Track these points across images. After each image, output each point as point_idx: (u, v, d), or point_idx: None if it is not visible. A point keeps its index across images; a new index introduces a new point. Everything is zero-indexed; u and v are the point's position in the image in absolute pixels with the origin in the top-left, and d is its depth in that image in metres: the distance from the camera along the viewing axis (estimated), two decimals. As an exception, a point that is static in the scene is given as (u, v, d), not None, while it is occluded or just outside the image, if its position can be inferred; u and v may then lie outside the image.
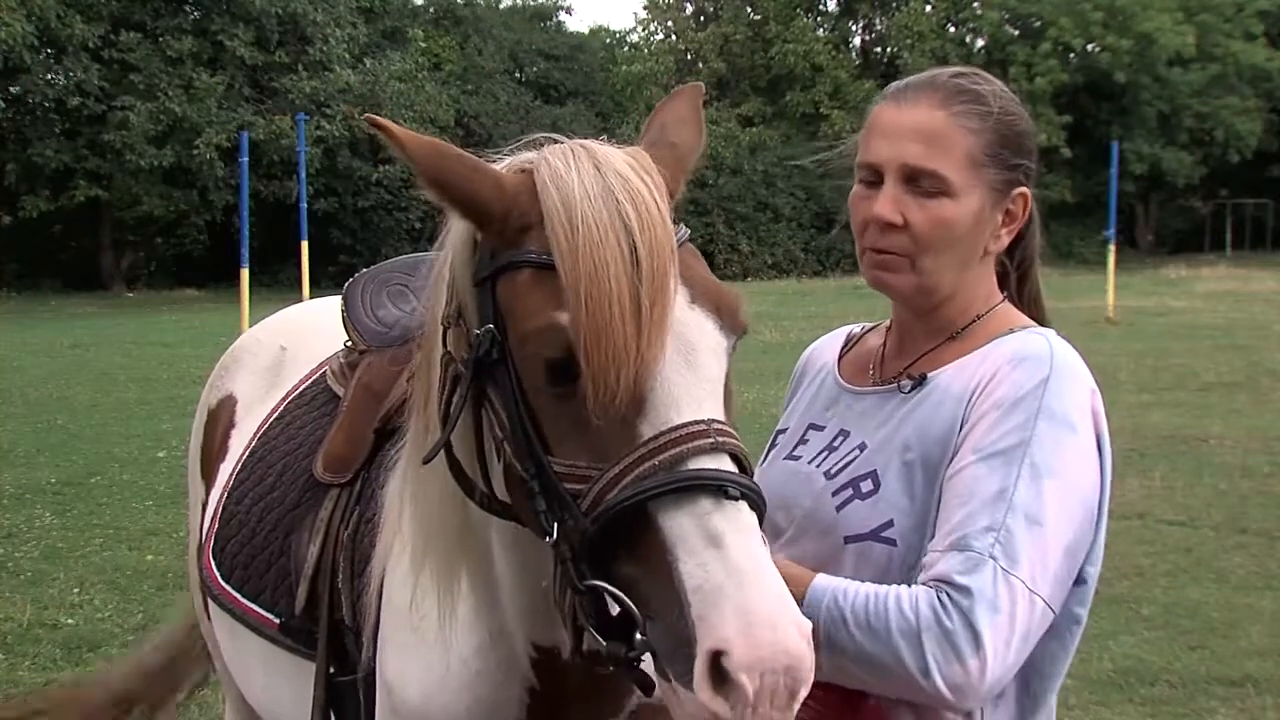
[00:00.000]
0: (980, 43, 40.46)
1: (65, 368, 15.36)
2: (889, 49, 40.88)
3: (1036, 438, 1.72)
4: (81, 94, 28.29)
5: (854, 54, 41.99)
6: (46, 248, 33.06)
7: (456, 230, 1.77)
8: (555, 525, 1.59)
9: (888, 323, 2.08)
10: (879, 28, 42.64)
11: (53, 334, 19.39)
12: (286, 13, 30.08)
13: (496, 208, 1.67)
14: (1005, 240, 1.91)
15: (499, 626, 1.94)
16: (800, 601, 1.64)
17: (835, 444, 1.95)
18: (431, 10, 39.18)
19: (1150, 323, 18.72)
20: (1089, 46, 37.85)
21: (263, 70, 30.50)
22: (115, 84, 28.79)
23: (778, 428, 2.11)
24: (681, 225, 1.71)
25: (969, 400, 1.80)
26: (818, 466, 1.93)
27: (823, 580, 1.73)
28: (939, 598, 1.65)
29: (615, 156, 1.65)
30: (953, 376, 1.86)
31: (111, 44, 28.88)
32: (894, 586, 1.70)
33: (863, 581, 1.76)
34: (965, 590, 1.63)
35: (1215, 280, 26.86)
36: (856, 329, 2.17)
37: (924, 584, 1.68)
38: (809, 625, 1.45)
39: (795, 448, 2.01)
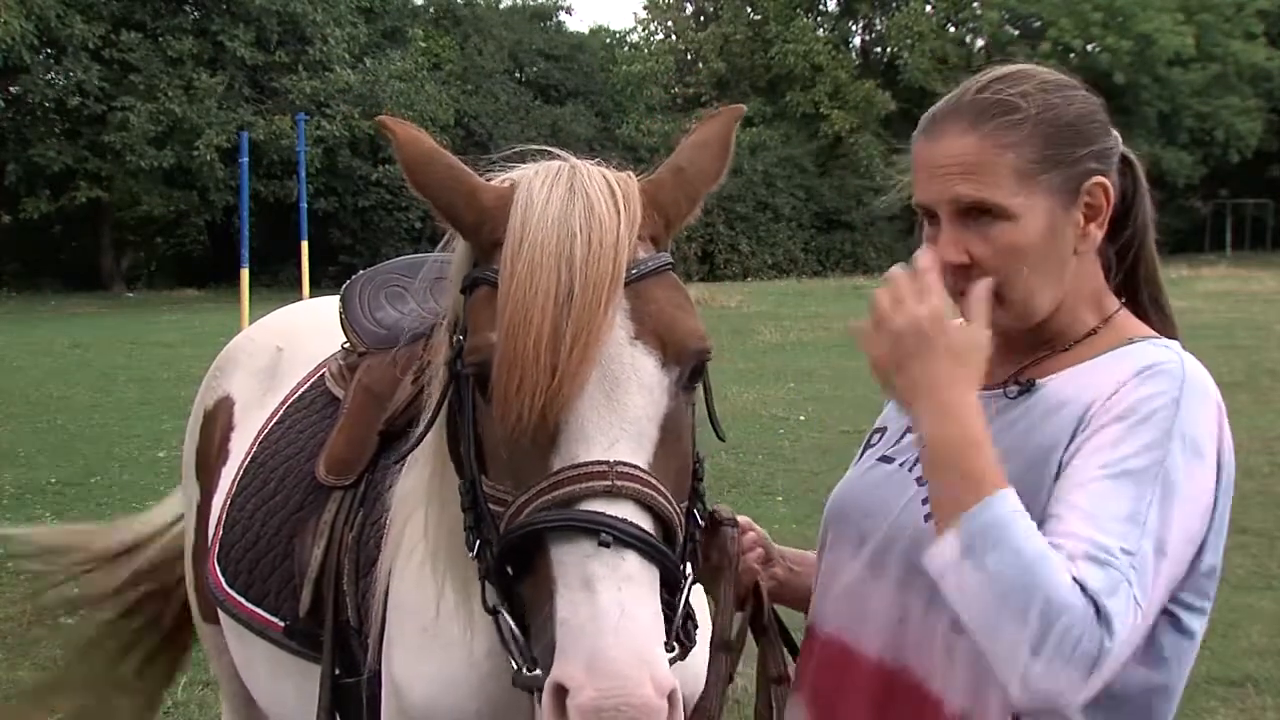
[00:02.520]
0: (980, 43, 40.46)
1: (65, 368, 15.35)
2: (889, 49, 40.82)
3: (1170, 461, 1.58)
4: (81, 94, 28.27)
5: (854, 54, 41.94)
6: (46, 248, 33.04)
7: (459, 237, 1.79)
8: (477, 543, 1.64)
9: None
10: (879, 28, 42.57)
11: (53, 334, 19.38)
12: (286, 13, 30.05)
13: (468, 219, 1.69)
14: (1096, 236, 1.75)
15: None
16: (984, 493, 1.54)
17: None
18: (431, 10, 39.15)
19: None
20: (1089, 47, 37.82)
21: (263, 70, 30.47)
22: (115, 84, 28.76)
23: (875, 425, 2.01)
24: (663, 253, 1.69)
25: (1085, 412, 1.66)
26: (910, 471, 1.83)
27: (1013, 496, 1.56)
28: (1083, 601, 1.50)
29: (595, 181, 1.65)
30: (1062, 385, 1.73)
31: (112, 44, 28.85)
32: (1061, 557, 1.52)
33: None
34: (1108, 618, 1.49)
35: (1215, 280, 26.83)
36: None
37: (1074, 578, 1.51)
38: (670, 682, 1.45)
39: (891, 449, 1.91)
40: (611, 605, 1.45)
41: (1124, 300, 1.85)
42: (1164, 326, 1.86)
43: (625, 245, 1.60)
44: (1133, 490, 1.57)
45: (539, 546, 1.53)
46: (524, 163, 1.79)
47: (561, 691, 1.43)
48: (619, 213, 1.62)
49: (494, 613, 1.63)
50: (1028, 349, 1.82)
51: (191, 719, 4.92)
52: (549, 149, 1.79)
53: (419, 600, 2.01)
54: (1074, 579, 1.50)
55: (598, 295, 1.55)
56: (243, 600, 2.60)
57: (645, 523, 1.52)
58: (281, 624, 2.48)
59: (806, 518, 7.00)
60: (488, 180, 1.76)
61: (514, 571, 1.60)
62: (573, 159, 1.74)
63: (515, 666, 1.59)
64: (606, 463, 1.53)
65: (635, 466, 1.54)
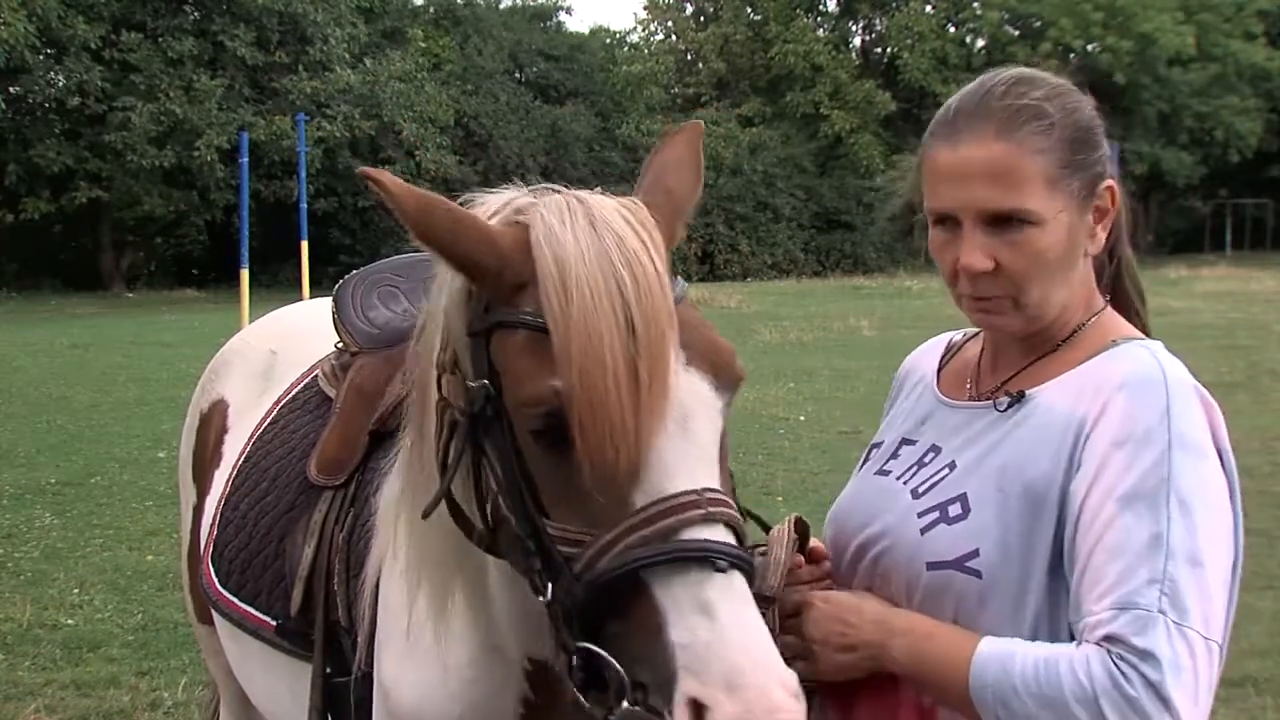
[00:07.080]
0: (980, 43, 40.45)
1: (65, 368, 15.36)
2: (889, 49, 40.82)
3: (1176, 472, 1.60)
4: (82, 94, 28.27)
5: (854, 54, 41.93)
6: (46, 248, 33.05)
7: (450, 276, 1.74)
8: (549, 586, 1.60)
9: None
10: (879, 28, 42.56)
11: (53, 334, 19.38)
12: (287, 13, 30.05)
13: (489, 265, 1.63)
14: (1101, 238, 1.77)
15: (492, 641, 1.96)
16: (965, 669, 1.61)
17: (925, 459, 1.84)
18: (431, 10, 39.13)
19: (1150, 323, 18.67)
20: (1089, 47, 37.82)
21: (263, 71, 30.47)
22: (116, 85, 28.77)
23: (873, 440, 2.02)
24: (679, 279, 1.69)
25: (1078, 435, 1.67)
26: (905, 483, 1.84)
27: (987, 647, 1.63)
28: (1114, 662, 1.53)
29: (612, 212, 1.63)
30: (1055, 397, 1.72)
31: (112, 44, 28.85)
32: (1062, 648, 1.60)
33: (954, 623, 1.69)
34: (1144, 654, 1.53)
35: (1215, 280, 26.85)
36: (958, 336, 2.04)
37: (1094, 644, 1.57)
38: (794, 679, 1.46)
39: (887, 462, 1.92)
40: (733, 622, 1.46)
41: (1109, 299, 1.86)
42: (1143, 326, 1.89)
43: (665, 274, 1.60)
44: (1149, 514, 1.59)
45: (634, 583, 1.51)
46: (488, 194, 1.77)
47: (699, 708, 1.43)
48: (646, 244, 1.61)
49: (578, 652, 1.57)
50: (1019, 354, 1.82)
51: (191, 719, 4.92)
52: (517, 182, 1.78)
53: (403, 604, 2.01)
54: (1095, 643, 1.55)
55: (659, 328, 1.54)
56: (235, 600, 2.60)
57: (734, 543, 1.54)
58: (273, 623, 2.48)
59: (806, 517, 6.95)
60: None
61: (596, 610, 1.55)
62: (565, 189, 1.71)
63: (584, 704, 1.57)
64: (696, 491, 1.53)
65: (718, 491, 1.57)
